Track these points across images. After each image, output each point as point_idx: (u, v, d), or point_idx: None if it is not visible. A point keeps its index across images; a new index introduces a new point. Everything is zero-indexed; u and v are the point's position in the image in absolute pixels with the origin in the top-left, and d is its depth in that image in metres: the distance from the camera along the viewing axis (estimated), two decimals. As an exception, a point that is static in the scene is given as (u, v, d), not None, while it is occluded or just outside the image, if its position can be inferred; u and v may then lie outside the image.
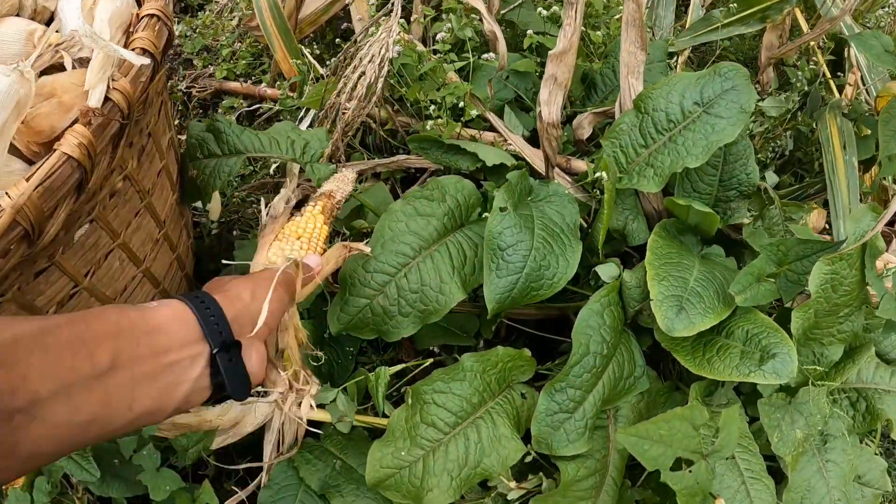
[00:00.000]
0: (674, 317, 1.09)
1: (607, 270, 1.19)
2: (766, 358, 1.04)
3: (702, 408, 1.00)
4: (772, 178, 1.45)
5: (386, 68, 1.11)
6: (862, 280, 1.11)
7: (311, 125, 1.37)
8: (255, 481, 1.11)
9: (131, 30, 1.05)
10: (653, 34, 1.87)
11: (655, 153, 1.23)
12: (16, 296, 0.91)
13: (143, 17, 1.04)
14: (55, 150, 0.86)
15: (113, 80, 0.92)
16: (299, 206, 1.10)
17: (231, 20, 1.74)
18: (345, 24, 1.62)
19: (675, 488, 0.96)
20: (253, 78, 1.64)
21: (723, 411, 1.02)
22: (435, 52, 1.24)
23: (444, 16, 1.32)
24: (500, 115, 1.33)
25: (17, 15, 1.08)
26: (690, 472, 0.97)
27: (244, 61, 1.62)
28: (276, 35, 1.38)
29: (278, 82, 1.47)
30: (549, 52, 1.19)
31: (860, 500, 1.23)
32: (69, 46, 0.97)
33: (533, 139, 1.35)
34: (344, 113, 1.16)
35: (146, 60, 0.91)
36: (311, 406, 0.92)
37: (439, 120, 1.23)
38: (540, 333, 1.31)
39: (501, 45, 1.29)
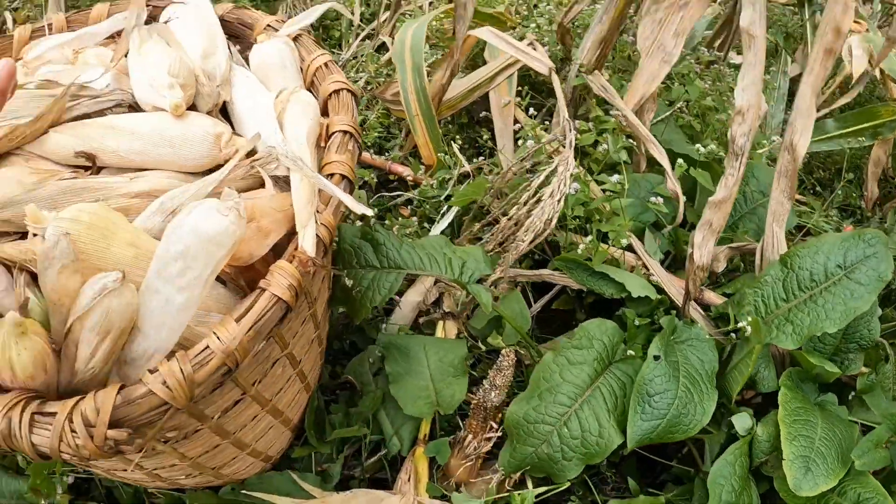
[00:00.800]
0: (801, 477, 1.12)
1: (742, 422, 1.20)
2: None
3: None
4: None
5: (562, 203, 1.12)
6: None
7: (450, 224, 1.37)
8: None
9: (321, 144, 1.04)
10: (762, 129, 1.88)
11: (795, 309, 1.24)
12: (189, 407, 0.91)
13: (334, 133, 1.04)
14: (264, 289, 0.86)
15: (318, 211, 0.92)
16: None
17: (356, 80, 1.73)
18: (483, 112, 1.62)
19: None
20: (386, 153, 1.62)
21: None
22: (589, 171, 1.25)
23: (593, 129, 1.32)
24: (640, 236, 1.34)
25: (194, 104, 1.07)
26: None
27: (375, 132, 1.62)
28: (419, 119, 1.38)
29: (413, 163, 1.47)
30: (709, 199, 1.20)
31: None
32: (265, 164, 0.96)
33: (665, 261, 1.36)
34: (519, 244, 1.17)
35: (369, 211, 0.90)
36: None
37: (588, 242, 1.24)
38: (645, 454, 1.34)
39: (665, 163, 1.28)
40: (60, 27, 1.28)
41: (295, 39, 1.17)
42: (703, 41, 1.92)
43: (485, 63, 1.61)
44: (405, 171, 1.52)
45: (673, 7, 1.17)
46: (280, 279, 0.87)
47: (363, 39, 1.99)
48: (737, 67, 1.70)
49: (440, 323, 1.32)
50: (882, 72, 1.83)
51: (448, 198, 1.40)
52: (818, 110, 2.01)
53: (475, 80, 1.53)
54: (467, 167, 1.42)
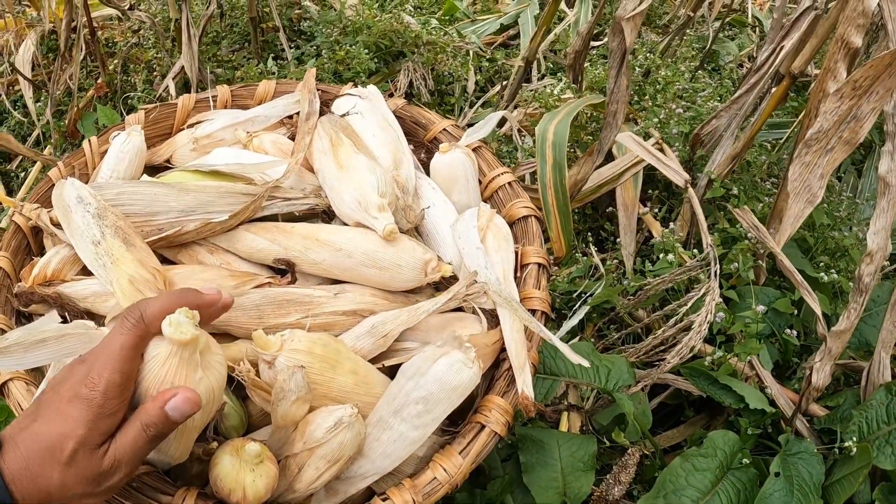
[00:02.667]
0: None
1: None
2: None
3: None
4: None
5: (707, 329, 1.22)
6: None
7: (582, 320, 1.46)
8: None
9: (516, 276, 1.11)
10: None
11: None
12: None
13: (529, 265, 1.11)
14: (484, 426, 0.95)
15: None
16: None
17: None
18: (609, 207, 1.70)
19: None
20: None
21: None
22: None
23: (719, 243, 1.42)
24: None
25: (397, 223, 1.06)
26: None
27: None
28: (554, 213, 1.45)
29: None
30: (832, 329, 1.30)
31: None
32: (475, 298, 1.03)
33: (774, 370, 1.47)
34: (664, 366, 1.26)
35: (585, 362, 0.98)
36: None
37: (714, 356, 1.34)
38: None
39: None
40: (225, 100, 1.32)
41: (474, 150, 1.23)
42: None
43: (612, 156, 1.69)
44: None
45: (820, 151, 1.26)
46: (498, 416, 0.94)
47: (479, 107, 2.06)
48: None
49: (565, 414, 1.41)
50: None
51: (576, 291, 1.49)
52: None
53: (605, 177, 1.61)
54: (599, 264, 1.50)
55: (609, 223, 1.72)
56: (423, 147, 1.28)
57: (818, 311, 1.25)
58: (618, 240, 1.59)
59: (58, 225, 1.05)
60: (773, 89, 1.42)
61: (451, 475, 0.91)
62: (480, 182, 1.22)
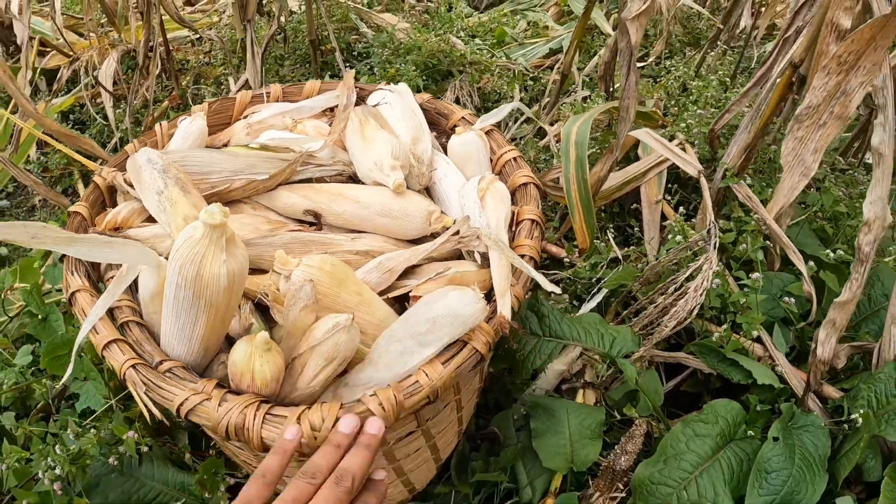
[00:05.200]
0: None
1: (847, 505, 1.34)
2: None
3: None
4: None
5: (704, 296, 1.30)
6: None
7: (598, 304, 1.56)
8: None
9: (511, 228, 1.25)
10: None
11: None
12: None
13: (524, 221, 1.25)
14: (466, 342, 1.07)
15: (511, 284, 1.13)
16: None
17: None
18: (634, 204, 1.82)
19: None
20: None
21: None
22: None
23: (733, 229, 1.50)
24: (770, 329, 1.50)
25: (407, 182, 1.27)
26: None
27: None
28: (578, 208, 1.58)
29: (567, 245, 1.68)
30: (834, 300, 1.35)
31: None
32: (470, 241, 1.17)
33: (790, 355, 1.51)
34: (663, 329, 1.35)
35: (556, 289, 1.10)
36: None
37: (723, 331, 1.41)
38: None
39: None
40: (277, 96, 1.53)
41: (487, 133, 1.40)
42: (838, 148, 2.06)
43: (637, 157, 1.81)
44: (560, 253, 1.72)
45: (812, 126, 1.35)
46: (480, 336, 1.06)
47: (522, 123, 2.24)
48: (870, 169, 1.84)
49: (581, 391, 1.50)
50: None
51: (599, 280, 1.60)
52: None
53: (629, 175, 1.73)
54: (618, 254, 1.61)
55: (634, 219, 1.82)
56: (445, 133, 1.45)
57: (805, 271, 1.31)
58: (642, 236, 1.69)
59: (130, 185, 1.26)
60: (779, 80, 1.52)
61: (433, 380, 1.02)
62: (492, 161, 1.37)
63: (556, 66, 2.67)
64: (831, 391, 1.48)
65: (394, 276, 1.16)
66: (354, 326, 1.02)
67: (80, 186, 2.49)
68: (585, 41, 2.82)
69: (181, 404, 0.97)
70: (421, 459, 1.33)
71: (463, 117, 1.43)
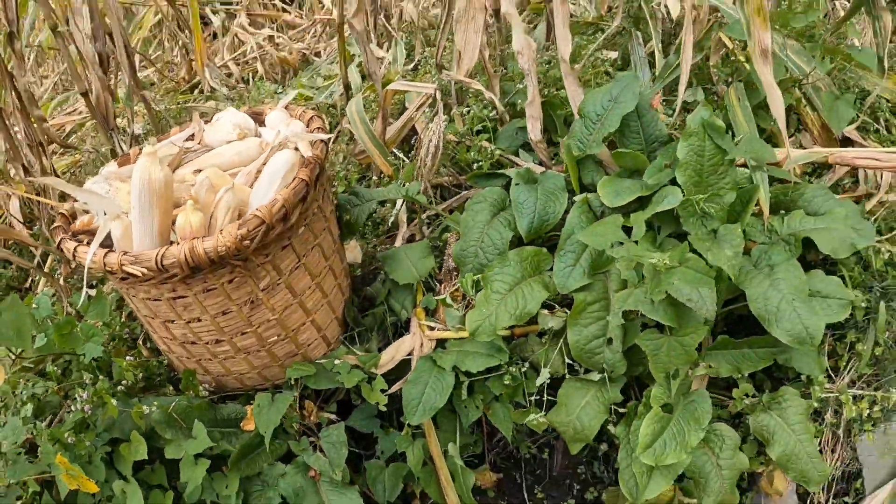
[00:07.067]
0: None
1: (580, 196, 2.09)
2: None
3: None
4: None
5: (441, 143, 2.16)
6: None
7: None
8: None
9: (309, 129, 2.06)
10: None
11: (596, 133, 2.13)
12: (274, 256, 1.85)
13: (311, 121, 2.06)
14: (296, 177, 1.83)
15: (313, 149, 1.92)
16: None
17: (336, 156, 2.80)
18: (415, 137, 2.67)
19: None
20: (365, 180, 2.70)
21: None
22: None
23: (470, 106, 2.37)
24: (516, 154, 2.33)
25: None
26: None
27: (355, 175, 2.66)
28: (375, 152, 2.41)
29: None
30: (526, 101, 2.18)
31: (826, 308, 1.77)
32: (286, 143, 1.97)
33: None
34: (425, 165, 2.19)
35: (324, 136, 1.92)
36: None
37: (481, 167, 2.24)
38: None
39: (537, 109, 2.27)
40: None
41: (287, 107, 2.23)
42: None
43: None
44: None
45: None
46: (304, 171, 1.86)
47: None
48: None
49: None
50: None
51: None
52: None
53: (403, 120, 2.58)
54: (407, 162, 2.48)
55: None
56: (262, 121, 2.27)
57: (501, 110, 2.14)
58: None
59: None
60: None
61: (282, 197, 1.79)
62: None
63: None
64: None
65: (251, 178, 1.95)
66: (234, 189, 1.80)
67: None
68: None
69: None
70: (317, 298, 2.09)
71: (270, 108, 2.27)
